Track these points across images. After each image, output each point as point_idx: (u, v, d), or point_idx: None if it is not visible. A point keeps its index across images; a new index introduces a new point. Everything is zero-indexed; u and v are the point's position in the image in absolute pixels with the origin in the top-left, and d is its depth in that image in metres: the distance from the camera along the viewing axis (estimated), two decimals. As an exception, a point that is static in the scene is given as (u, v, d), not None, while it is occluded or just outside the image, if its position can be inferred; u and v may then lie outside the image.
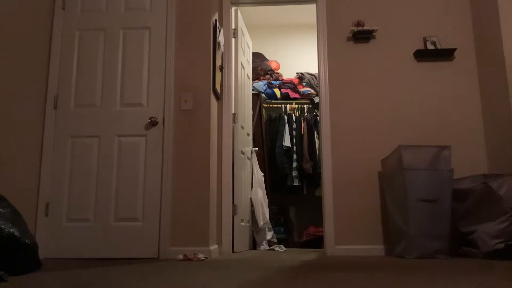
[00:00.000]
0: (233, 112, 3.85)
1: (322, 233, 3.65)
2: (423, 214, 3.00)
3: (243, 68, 4.26)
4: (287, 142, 4.95)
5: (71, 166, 3.18)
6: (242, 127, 4.07)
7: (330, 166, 3.56)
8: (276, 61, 5.57)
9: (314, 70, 5.37)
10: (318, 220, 4.59)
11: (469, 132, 3.58)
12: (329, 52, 3.75)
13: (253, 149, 4.52)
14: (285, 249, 4.22)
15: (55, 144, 3.22)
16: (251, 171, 4.40)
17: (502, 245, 2.82)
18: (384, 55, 3.74)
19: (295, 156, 4.95)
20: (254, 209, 4.30)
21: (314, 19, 3.93)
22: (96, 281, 1.70)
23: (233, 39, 4.00)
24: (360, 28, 3.70)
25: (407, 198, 3.01)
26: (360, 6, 3.82)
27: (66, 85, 3.30)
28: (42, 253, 2.99)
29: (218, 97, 3.59)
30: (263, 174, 4.60)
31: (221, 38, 3.64)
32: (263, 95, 5.14)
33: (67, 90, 3.29)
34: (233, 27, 4.01)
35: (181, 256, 2.84)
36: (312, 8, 4.63)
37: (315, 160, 4.90)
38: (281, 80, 5.35)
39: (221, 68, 3.69)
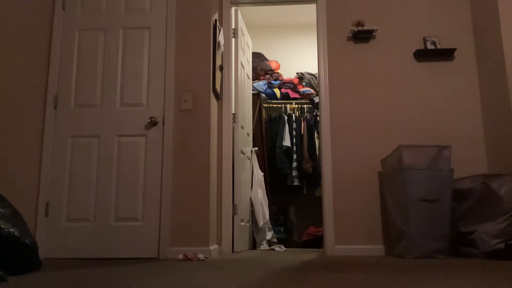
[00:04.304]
0: (233, 112, 3.85)
1: (322, 233, 3.65)
2: (423, 214, 3.00)
3: (243, 68, 4.26)
4: (287, 142, 4.95)
5: (71, 166, 3.18)
6: (242, 127, 4.07)
7: (330, 166, 3.56)
8: (276, 61, 5.57)
9: (314, 70, 5.37)
10: (318, 220, 4.58)
11: (469, 132, 3.58)
12: (329, 52, 3.75)
13: (253, 149, 4.52)
14: (285, 249, 4.22)
15: (55, 144, 3.22)
16: (251, 171, 4.40)
17: (502, 245, 2.82)
18: (384, 55, 3.74)
19: (295, 156, 4.95)
20: (254, 209, 4.30)
21: (314, 19, 3.94)
22: (96, 281, 1.70)
23: (233, 39, 4.00)
24: (360, 28, 3.70)
25: (407, 198, 3.01)
26: (360, 6, 3.82)
27: (66, 85, 3.30)
28: (42, 253, 2.99)
29: (218, 97, 3.59)
30: (263, 174, 4.60)
31: (221, 38, 3.64)
32: (263, 95, 5.14)
33: (67, 90, 3.29)
34: (233, 27, 4.01)
35: (181, 256, 2.84)
36: (312, 8, 4.63)
37: (315, 160, 4.90)
38: (281, 80, 5.35)
39: (221, 68, 3.69)
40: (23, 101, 3.29)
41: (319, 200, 4.40)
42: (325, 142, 3.60)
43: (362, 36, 3.73)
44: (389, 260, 2.80)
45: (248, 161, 4.33)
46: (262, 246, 4.27)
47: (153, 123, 3.19)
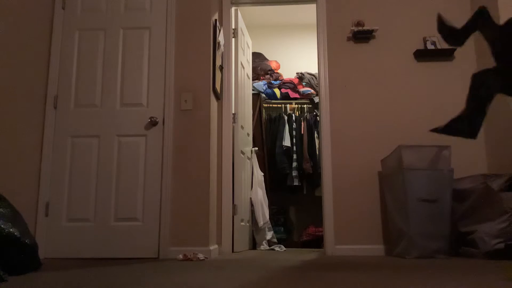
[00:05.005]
0: (233, 112, 3.85)
1: (322, 233, 3.65)
2: (423, 214, 3.00)
3: (243, 68, 4.26)
4: (287, 142, 4.95)
5: (71, 166, 3.18)
6: (242, 127, 4.07)
7: (330, 166, 3.56)
8: (276, 61, 5.56)
9: (314, 70, 5.36)
10: (318, 220, 4.58)
11: (469, 132, 3.58)
12: (329, 52, 3.75)
13: (253, 149, 4.52)
14: (285, 249, 4.22)
15: (55, 144, 3.22)
16: (251, 171, 4.40)
17: (502, 245, 2.82)
18: (384, 55, 3.74)
19: (295, 156, 4.95)
20: (254, 209, 4.30)
21: (314, 19, 3.93)
22: (96, 281, 1.70)
23: (233, 39, 4.00)
24: (360, 28, 3.70)
25: (407, 198, 3.01)
26: (360, 6, 3.82)
27: (66, 85, 3.30)
28: (42, 253, 2.99)
29: (218, 97, 3.59)
30: (263, 174, 4.60)
31: (221, 38, 3.64)
32: (263, 95, 5.14)
33: (67, 90, 3.29)
34: (233, 27, 4.01)
35: (181, 256, 2.84)
36: (312, 8, 4.62)
37: (315, 160, 4.90)
38: (281, 80, 5.35)
39: (221, 68, 3.69)
40: (23, 101, 3.28)
41: (319, 200, 4.40)
42: (325, 142, 3.60)
43: (362, 36, 3.73)
44: (389, 260, 2.80)
45: (248, 161, 4.33)
46: (262, 246, 4.27)
47: (153, 123, 3.19)
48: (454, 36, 1.80)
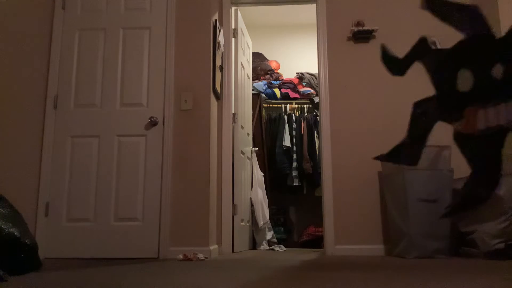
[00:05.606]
0: (233, 112, 3.85)
1: (322, 233, 3.65)
2: (423, 214, 3.00)
3: (243, 68, 4.26)
4: (287, 142, 4.95)
5: (71, 166, 3.18)
6: (242, 127, 4.07)
7: (330, 166, 3.56)
8: (276, 61, 5.56)
9: (314, 70, 5.35)
10: (318, 220, 4.58)
11: (469, 132, 3.58)
12: (329, 52, 3.75)
13: (253, 149, 4.52)
14: (285, 249, 4.22)
15: (55, 144, 3.21)
16: (251, 171, 4.40)
17: (502, 245, 2.82)
18: (384, 55, 3.73)
19: (295, 156, 4.94)
20: (254, 209, 4.30)
21: (314, 19, 3.93)
22: (96, 281, 1.70)
23: (233, 39, 4.00)
24: (360, 28, 3.70)
25: (407, 198, 3.01)
26: (360, 6, 3.82)
27: (66, 85, 3.30)
28: (42, 253, 2.97)
29: (218, 97, 3.59)
30: (263, 174, 4.60)
31: (221, 38, 3.64)
32: (263, 95, 5.14)
33: (67, 90, 3.29)
34: (233, 27, 4.01)
35: (181, 256, 2.84)
36: (312, 8, 4.62)
37: (315, 160, 4.89)
38: (281, 80, 5.35)
39: (221, 68, 3.69)
40: (23, 101, 3.28)
41: (319, 200, 4.39)
42: (325, 142, 3.60)
43: (362, 36, 3.72)
44: (389, 260, 2.80)
45: (248, 161, 4.33)
46: (262, 246, 4.27)
47: (153, 123, 3.19)
48: (396, 66, 1.86)
